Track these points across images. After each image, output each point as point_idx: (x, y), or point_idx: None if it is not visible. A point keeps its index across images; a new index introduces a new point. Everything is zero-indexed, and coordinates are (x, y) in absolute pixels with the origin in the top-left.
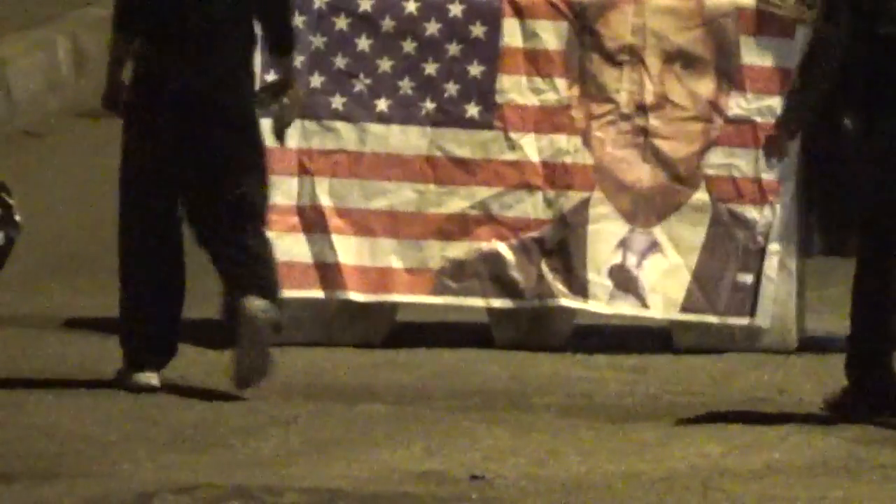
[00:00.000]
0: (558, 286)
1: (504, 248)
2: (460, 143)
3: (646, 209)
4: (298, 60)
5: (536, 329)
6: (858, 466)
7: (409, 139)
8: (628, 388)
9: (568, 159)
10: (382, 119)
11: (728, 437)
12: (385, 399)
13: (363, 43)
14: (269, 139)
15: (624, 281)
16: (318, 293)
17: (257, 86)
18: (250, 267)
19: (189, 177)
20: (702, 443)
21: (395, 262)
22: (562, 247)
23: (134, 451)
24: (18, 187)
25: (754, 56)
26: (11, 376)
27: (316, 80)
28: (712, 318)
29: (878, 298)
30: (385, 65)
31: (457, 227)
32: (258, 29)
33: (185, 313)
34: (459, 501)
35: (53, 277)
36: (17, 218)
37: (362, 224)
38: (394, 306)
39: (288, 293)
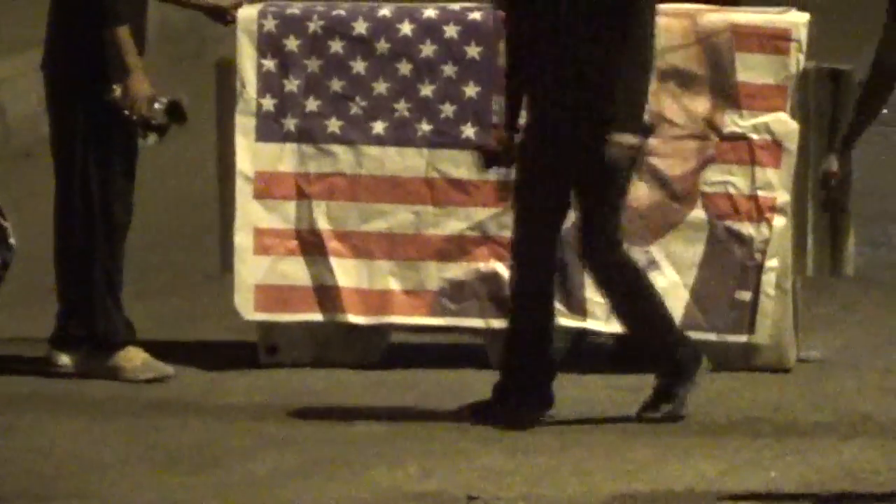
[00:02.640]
0: (557, 305)
1: (502, 269)
2: (457, 165)
3: (643, 228)
4: (294, 84)
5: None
6: (855, 486)
7: (406, 161)
8: (624, 408)
9: None
10: (379, 141)
11: (724, 457)
12: (381, 419)
13: (359, 65)
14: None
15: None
16: (317, 316)
17: None
18: None
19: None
20: (698, 462)
21: (394, 284)
22: (560, 266)
23: (130, 472)
24: (13, 209)
25: (749, 73)
26: (5, 397)
27: (312, 104)
28: (711, 336)
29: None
30: (381, 87)
31: (455, 248)
32: None
33: (183, 335)
34: None
35: (48, 299)
36: (12, 240)
37: (360, 246)
38: (389, 327)
39: (287, 316)
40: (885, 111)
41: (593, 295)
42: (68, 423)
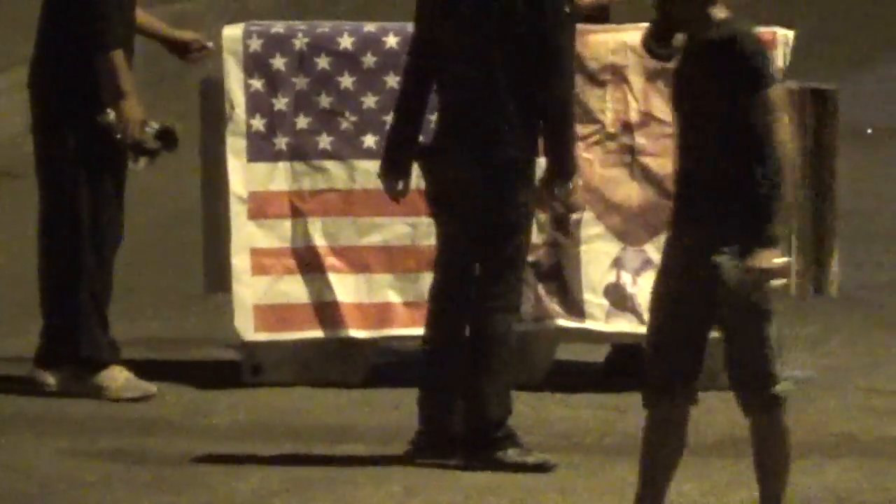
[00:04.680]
0: (555, 308)
1: None
2: None
3: (637, 227)
4: (283, 102)
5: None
6: None
7: None
8: (608, 427)
9: None
10: (370, 155)
11: (707, 476)
12: (365, 439)
13: (346, 81)
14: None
15: (620, 299)
16: (318, 333)
17: None
18: None
19: None
20: (681, 482)
21: (393, 297)
22: (557, 269)
23: (114, 491)
24: None
25: None
26: None
27: (302, 121)
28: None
29: None
30: (370, 101)
31: None
32: None
33: (167, 354)
34: None
35: (31, 318)
36: None
37: (357, 261)
38: (371, 347)
39: (287, 335)
40: (869, 131)
41: (592, 296)
42: (52, 442)
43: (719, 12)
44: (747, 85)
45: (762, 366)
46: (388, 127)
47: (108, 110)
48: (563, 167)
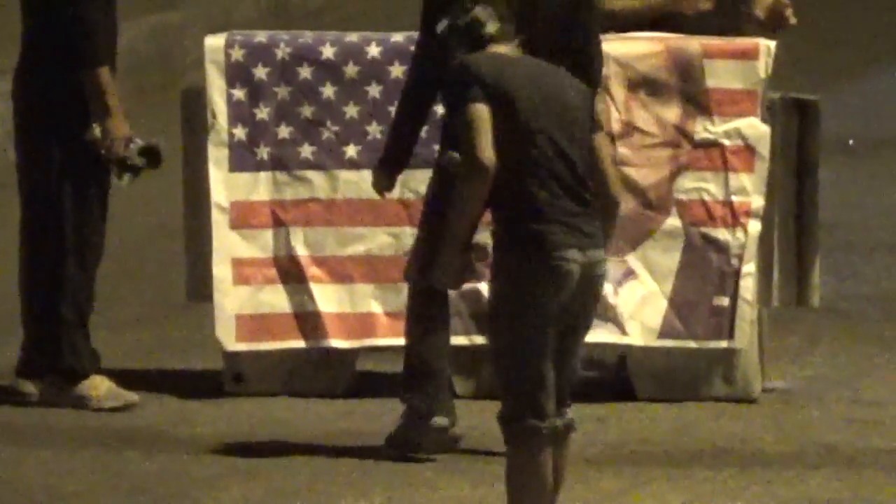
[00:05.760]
0: None
1: (484, 287)
2: None
3: (619, 237)
4: (265, 112)
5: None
6: None
7: None
8: (590, 438)
9: None
10: (353, 165)
11: (690, 487)
12: (348, 449)
13: (328, 90)
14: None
15: (602, 309)
16: (300, 343)
17: None
18: None
19: None
20: (664, 493)
21: (375, 307)
22: None
23: (96, 502)
24: None
25: (719, 79)
26: None
27: (284, 131)
28: (691, 343)
29: None
30: (352, 111)
31: None
32: None
33: (149, 364)
34: None
35: (12, 328)
36: None
37: (340, 271)
38: (354, 356)
39: (268, 345)
40: (851, 142)
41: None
42: (34, 452)
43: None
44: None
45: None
46: (391, 125)
47: (94, 125)
48: None
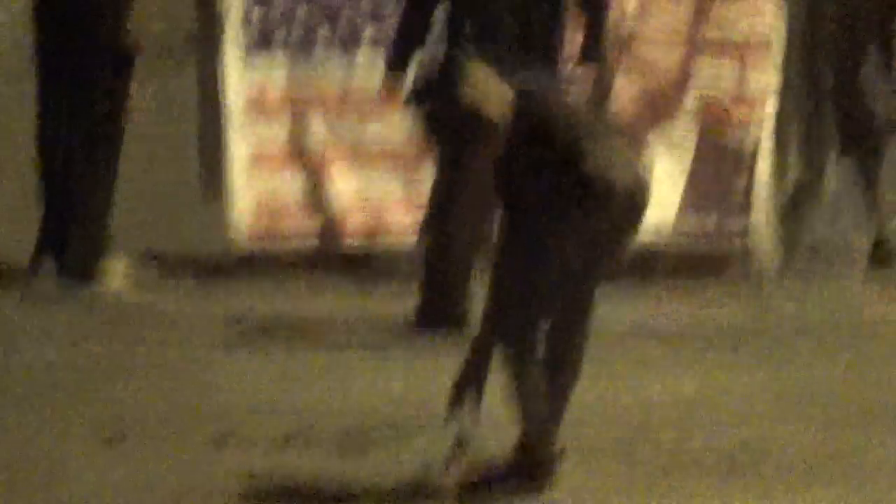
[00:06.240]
0: None
1: None
2: None
3: (637, 118)
4: None
5: None
6: (835, 397)
7: None
8: (607, 318)
9: None
10: (370, 49)
11: (705, 367)
12: (364, 329)
13: None
14: None
15: None
16: (316, 231)
17: None
18: None
19: None
20: (679, 372)
21: (393, 196)
22: None
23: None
24: None
25: None
26: None
27: (301, 12)
28: (710, 221)
29: None
30: None
31: None
32: None
33: (164, 248)
34: (438, 430)
35: (31, 212)
36: None
37: (357, 158)
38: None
39: (285, 233)
40: None
41: None
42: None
43: None
44: None
45: None
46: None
47: None
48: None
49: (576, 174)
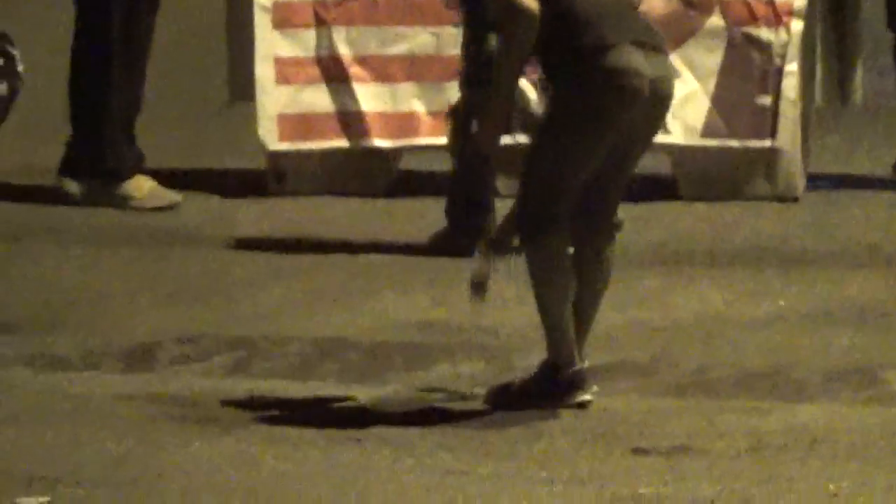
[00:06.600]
0: None
1: (527, 86)
2: None
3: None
4: None
5: None
6: (862, 315)
7: None
8: (632, 237)
9: None
10: None
11: (731, 286)
12: (388, 248)
13: None
14: None
15: None
16: (342, 142)
17: None
18: None
19: None
20: (705, 291)
21: (417, 106)
22: None
23: (137, 302)
24: (20, 39)
25: None
26: (13, 226)
27: None
28: (733, 142)
29: None
30: None
31: None
32: None
33: (192, 163)
34: (464, 350)
35: (58, 128)
36: (20, 68)
37: (382, 70)
38: (396, 155)
39: (311, 144)
40: None
41: None
42: (76, 252)
43: None
44: None
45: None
46: None
47: None
48: None
49: (602, 61)
